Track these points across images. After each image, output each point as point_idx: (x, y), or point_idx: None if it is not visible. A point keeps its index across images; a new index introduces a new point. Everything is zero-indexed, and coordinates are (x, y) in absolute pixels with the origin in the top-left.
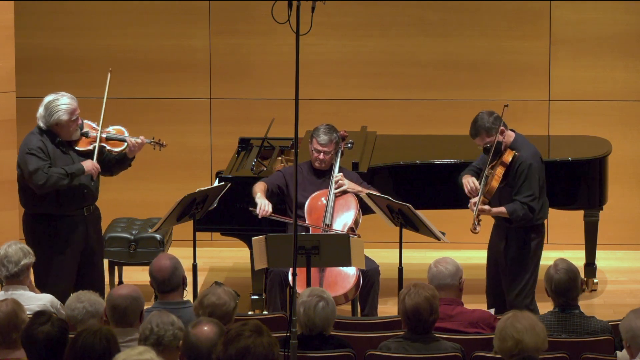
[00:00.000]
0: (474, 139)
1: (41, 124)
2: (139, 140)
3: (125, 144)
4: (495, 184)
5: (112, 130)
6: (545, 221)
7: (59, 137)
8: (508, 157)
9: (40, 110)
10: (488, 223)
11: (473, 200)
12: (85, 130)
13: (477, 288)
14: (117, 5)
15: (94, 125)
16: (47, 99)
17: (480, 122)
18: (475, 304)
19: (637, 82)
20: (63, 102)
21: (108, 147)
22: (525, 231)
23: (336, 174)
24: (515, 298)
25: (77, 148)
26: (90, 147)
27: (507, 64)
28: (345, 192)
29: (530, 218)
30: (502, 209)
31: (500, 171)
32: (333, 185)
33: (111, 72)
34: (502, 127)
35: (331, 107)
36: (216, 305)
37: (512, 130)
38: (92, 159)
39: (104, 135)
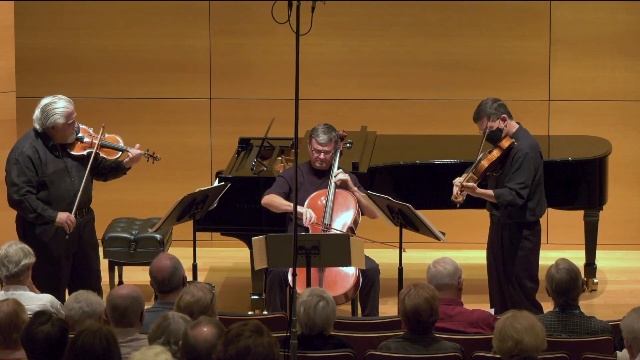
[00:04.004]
0: (475, 122)
1: (37, 126)
2: (136, 152)
3: (120, 153)
4: (485, 163)
5: (107, 137)
6: (545, 221)
7: (53, 140)
8: (505, 142)
9: (37, 112)
10: (485, 222)
11: (460, 179)
12: (80, 135)
13: (477, 288)
14: (117, 5)
15: (89, 130)
16: (44, 101)
17: (484, 106)
18: (475, 304)
19: (637, 82)
20: (60, 105)
21: (102, 155)
22: (519, 228)
23: (336, 170)
24: (514, 296)
25: (71, 152)
26: (84, 153)
27: (507, 64)
28: (345, 182)
29: (518, 205)
30: (490, 191)
31: (495, 154)
32: (332, 185)
33: (104, 128)
34: (504, 115)
35: (331, 107)
36: (192, 303)
37: (517, 123)
38: (86, 166)
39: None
